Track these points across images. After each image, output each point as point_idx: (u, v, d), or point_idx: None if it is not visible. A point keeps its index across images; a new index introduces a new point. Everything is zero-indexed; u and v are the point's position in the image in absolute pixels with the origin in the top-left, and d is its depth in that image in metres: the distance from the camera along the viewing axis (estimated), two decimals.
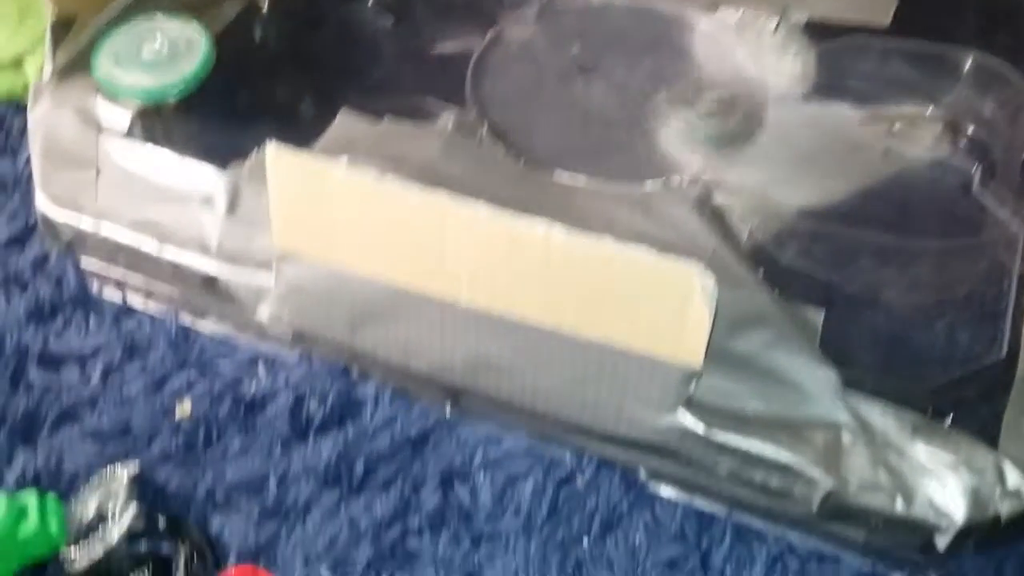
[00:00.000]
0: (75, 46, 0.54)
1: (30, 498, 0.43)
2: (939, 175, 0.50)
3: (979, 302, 0.45)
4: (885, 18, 0.55)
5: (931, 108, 0.53)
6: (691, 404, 0.40)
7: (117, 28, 0.53)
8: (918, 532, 0.39)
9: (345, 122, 0.52)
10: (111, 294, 0.52)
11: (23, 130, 0.60)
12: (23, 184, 0.57)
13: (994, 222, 0.47)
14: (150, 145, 0.49)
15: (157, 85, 0.51)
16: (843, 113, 0.53)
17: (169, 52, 0.52)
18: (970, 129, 0.52)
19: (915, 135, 0.52)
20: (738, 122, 0.52)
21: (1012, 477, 0.38)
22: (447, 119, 0.52)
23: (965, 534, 0.39)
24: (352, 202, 0.40)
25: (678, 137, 0.53)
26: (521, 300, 0.40)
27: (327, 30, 0.60)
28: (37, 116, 0.51)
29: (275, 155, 0.41)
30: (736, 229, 0.47)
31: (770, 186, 0.49)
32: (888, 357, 0.43)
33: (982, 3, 0.57)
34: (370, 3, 0.61)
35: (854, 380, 0.41)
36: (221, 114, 0.54)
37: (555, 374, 0.41)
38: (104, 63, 0.51)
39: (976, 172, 0.49)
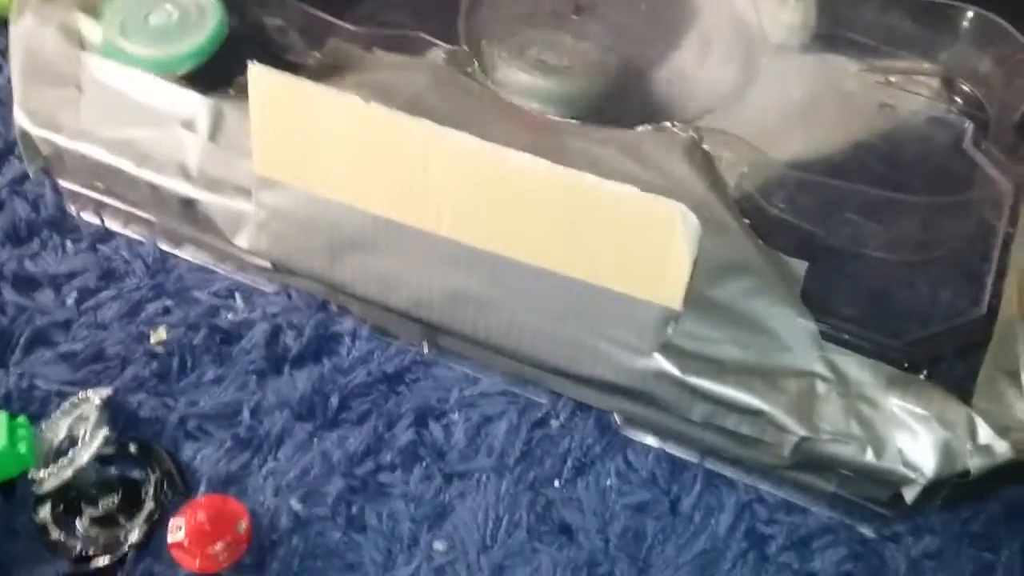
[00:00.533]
0: None
1: (0, 419, 0.43)
2: (932, 131, 0.49)
3: (963, 260, 0.44)
4: None
5: (928, 63, 0.53)
6: (667, 348, 0.40)
7: None
8: (887, 484, 0.40)
9: (333, 52, 0.51)
10: (89, 216, 0.51)
11: (4, 49, 0.59)
12: (5, 104, 0.56)
13: (984, 180, 0.47)
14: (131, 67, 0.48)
15: (164, 56, 0.48)
16: (840, 65, 0.53)
17: (180, 20, 0.49)
18: (966, 86, 0.52)
19: (911, 90, 0.51)
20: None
21: (983, 433, 0.38)
22: (437, 53, 0.51)
23: (934, 488, 0.39)
24: (336, 127, 0.40)
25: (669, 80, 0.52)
26: (502, 234, 0.40)
27: None
28: (19, 31, 0.50)
29: (257, 76, 0.40)
30: (725, 177, 0.47)
31: (762, 136, 0.49)
32: (869, 311, 0.43)
33: None
34: None
35: (833, 332, 0.41)
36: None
37: (533, 310, 0.41)
38: (108, 30, 0.49)
39: (968, 129, 0.48)
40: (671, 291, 0.38)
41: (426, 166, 0.39)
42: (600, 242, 0.38)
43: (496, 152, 0.37)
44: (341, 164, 0.41)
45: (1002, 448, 0.38)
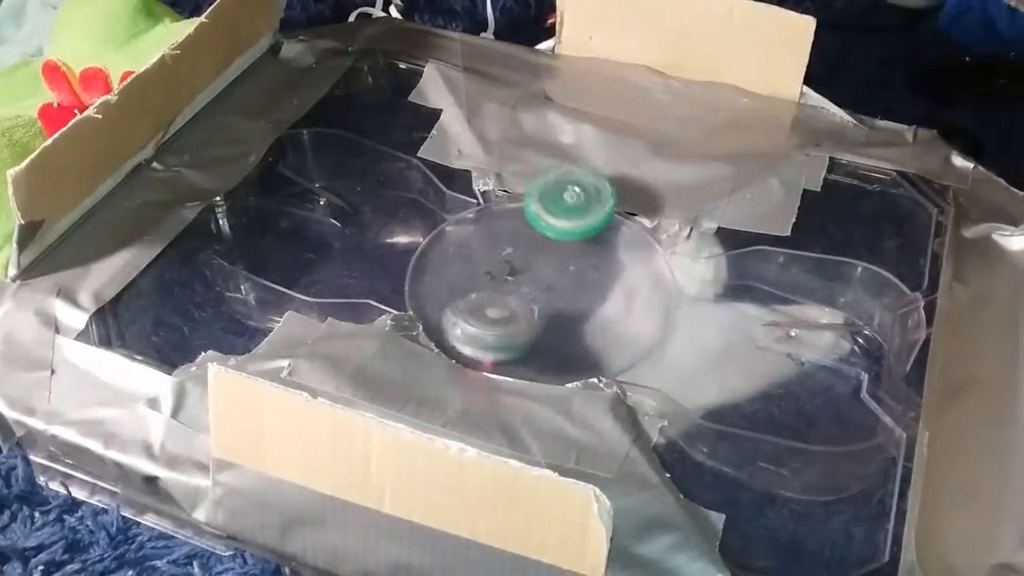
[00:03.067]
0: (40, 247, 0.58)
1: None
2: (833, 381, 0.54)
3: (868, 503, 0.48)
4: (786, 229, 0.60)
5: (829, 311, 0.59)
6: None
7: None
8: None
9: (290, 323, 0.56)
10: (57, 487, 0.54)
11: None
12: None
13: (882, 428, 0.51)
14: (102, 349, 0.53)
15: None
16: (749, 316, 0.58)
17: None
18: (868, 331, 0.57)
19: (813, 338, 0.57)
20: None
21: None
22: (384, 320, 0.56)
23: None
24: (285, 419, 0.44)
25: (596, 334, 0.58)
26: (440, 511, 0.43)
27: (280, 230, 0.65)
28: None
29: (215, 375, 0.44)
30: (647, 429, 0.51)
31: (680, 385, 0.53)
32: (783, 561, 0.46)
33: (868, 218, 0.63)
34: (322, 202, 0.66)
35: None
36: (175, 311, 0.58)
37: None
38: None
39: (864, 379, 0.53)
40: (592, 563, 0.41)
41: (368, 452, 0.43)
42: (527, 519, 0.42)
43: (430, 443, 0.41)
44: (291, 449, 0.45)
45: None
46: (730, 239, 0.61)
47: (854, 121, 0.67)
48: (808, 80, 0.68)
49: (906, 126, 0.67)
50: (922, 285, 0.57)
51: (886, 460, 0.49)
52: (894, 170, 0.64)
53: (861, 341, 0.56)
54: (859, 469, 0.50)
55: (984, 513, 0.46)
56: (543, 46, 0.75)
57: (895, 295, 0.57)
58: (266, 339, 0.54)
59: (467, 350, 0.55)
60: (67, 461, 0.52)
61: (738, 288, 0.60)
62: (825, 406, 0.53)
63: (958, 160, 0.64)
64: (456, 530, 0.43)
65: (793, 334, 0.57)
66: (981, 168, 0.64)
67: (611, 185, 0.61)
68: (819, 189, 0.63)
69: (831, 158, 0.64)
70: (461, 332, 0.56)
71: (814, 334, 0.57)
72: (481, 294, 0.59)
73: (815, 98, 0.68)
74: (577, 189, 0.61)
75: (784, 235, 0.60)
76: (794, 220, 0.60)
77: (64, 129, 0.56)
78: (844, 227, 0.61)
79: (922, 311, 0.55)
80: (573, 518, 0.40)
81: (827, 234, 0.61)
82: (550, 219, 0.60)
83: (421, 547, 0.44)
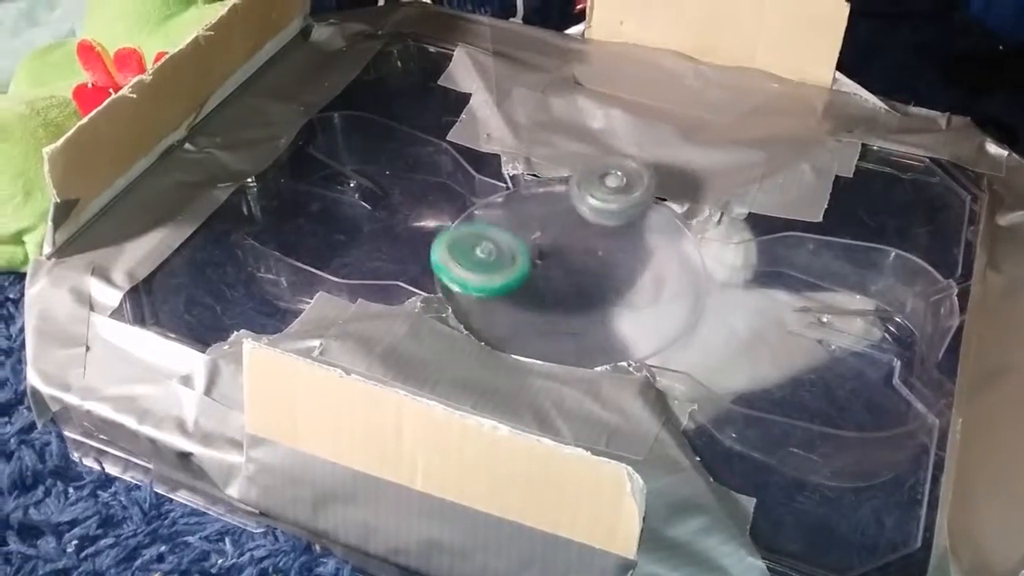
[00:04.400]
0: (75, 225, 0.58)
1: None
2: (864, 367, 0.54)
3: (900, 490, 0.48)
4: (817, 215, 0.60)
5: (861, 296, 0.58)
6: None
7: None
8: None
9: (321, 304, 0.56)
10: (91, 463, 0.55)
11: (18, 300, 0.64)
12: (15, 353, 0.61)
13: (914, 414, 0.51)
14: (136, 327, 0.53)
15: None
16: (780, 300, 0.58)
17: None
18: (899, 318, 0.57)
19: (845, 325, 0.57)
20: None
21: None
22: (414, 302, 0.56)
23: None
24: (319, 395, 0.44)
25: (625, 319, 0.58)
26: (471, 489, 0.43)
27: (311, 212, 0.66)
28: (34, 294, 0.55)
29: (250, 351, 0.44)
30: (677, 413, 0.51)
31: (709, 371, 0.53)
32: (814, 545, 0.46)
33: (901, 205, 0.62)
34: (352, 185, 0.67)
35: (781, 568, 0.44)
36: (207, 290, 0.59)
37: (501, 558, 0.44)
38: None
39: (896, 365, 0.53)
40: (625, 542, 0.41)
41: (400, 429, 0.43)
42: (559, 497, 0.42)
43: (463, 420, 0.41)
44: (324, 426, 0.45)
45: None
46: (761, 225, 0.60)
47: (887, 107, 0.67)
48: (839, 68, 0.68)
49: (939, 113, 0.67)
50: (955, 273, 0.56)
51: (918, 447, 0.49)
52: (927, 157, 0.63)
53: (892, 328, 0.56)
54: (891, 456, 0.49)
55: (1018, 500, 0.46)
56: (573, 31, 0.75)
57: (928, 282, 0.57)
58: (297, 319, 0.55)
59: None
60: (101, 437, 0.53)
61: (769, 274, 0.60)
62: (856, 392, 0.53)
63: (992, 147, 0.64)
64: (487, 508, 0.43)
65: (824, 320, 0.56)
66: (1016, 156, 0.63)
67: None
68: (851, 175, 0.62)
69: (863, 144, 0.64)
70: None
71: (845, 320, 0.57)
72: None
73: (847, 84, 0.68)
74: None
75: (815, 221, 0.59)
76: (825, 206, 0.60)
77: (99, 108, 0.56)
78: (876, 214, 0.61)
79: (955, 298, 0.54)
80: (606, 496, 0.40)
81: (859, 221, 0.60)
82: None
83: (452, 524, 0.44)
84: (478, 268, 0.56)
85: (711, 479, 0.47)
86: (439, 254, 0.56)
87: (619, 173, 0.61)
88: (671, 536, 0.44)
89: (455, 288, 0.56)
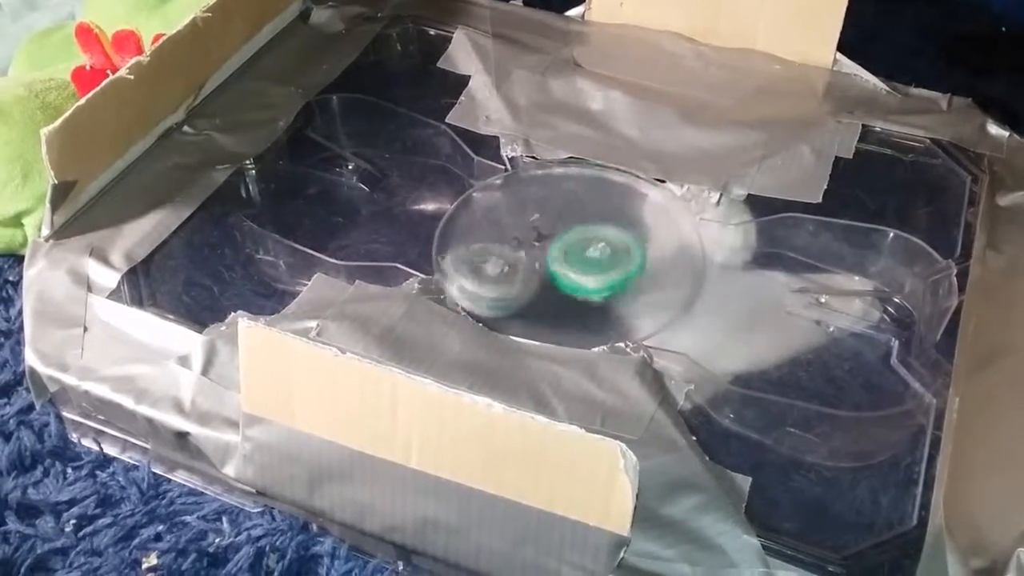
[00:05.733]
0: (73, 207, 0.59)
1: None
2: (862, 347, 0.54)
3: (897, 469, 0.48)
4: (817, 196, 0.60)
5: (860, 277, 0.58)
6: (622, 568, 0.43)
7: None
8: None
9: (318, 286, 0.56)
10: (89, 443, 0.55)
11: (16, 282, 0.64)
12: (14, 334, 0.61)
13: (912, 394, 0.51)
14: (133, 308, 0.53)
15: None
16: (778, 283, 0.58)
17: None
18: (898, 299, 0.57)
19: (843, 305, 0.56)
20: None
21: None
22: (412, 283, 0.56)
23: None
24: (314, 374, 0.44)
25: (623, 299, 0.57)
26: (466, 466, 0.43)
27: (309, 194, 0.66)
28: (32, 275, 0.55)
29: (246, 330, 0.44)
30: (674, 393, 0.51)
31: (707, 352, 0.53)
32: (809, 524, 0.46)
33: (901, 186, 0.62)
34: (350, 167, 0.67)
35: (776, 547, 0.44)
36: (205, 272, 0.59)
37: (496, 536, 0.44)
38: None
39: (895, 346, 0.53)
40: (618, 519, 0.41)
41: (395, 407, 0.43)
42: (553, 475, 0.42)
43: (458, 398, 0.41)
44: (319, 404, 0.45)
45: None
46: (760, 206, 0.60)
47: (887, 88, 0.66)
48: (841, 49, 0.67)
49: (940, 94, 0.66)
50: (955, 253, 0.56)
51: (915, 426, 0.49)
52: (928, 138, 0.63)
53: (891, 309, 0.56)
54: (888, 435, 0.49)
55: (1014, 479, 0.46)
56: (573, 12, 0.74)
57: (927, 263, 0.57)
58: (295, 300, 0.55)
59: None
60: (99, 417, 0.53)
61: (768, 255, 0.59)
62: (854, 372, 0.53)
63: (993, 128, 0.63)
64: (482, 485, 0.43)
65: (823, 301, 0.56)
66: (1017, 136, 0.63)
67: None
68: (851, 156, 0.62)
69: (864, 125, 0.64)
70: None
71: (843, 301, 0.56)
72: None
73: (848, 65, 0.67)
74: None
75: (815, 202, 0.59)
76: (825, 187, 0.60)
77: (97, 89, 0.56)
78: (876, 195, 0.61)
79: (954, 279, 0.54)
80: (600, 474, 0.40)
81: (859, 202, 0.60)
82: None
83: (447, 502, 0.44)
84: (592, 268, 0.57)
85: (707, 458, 0.47)
86: (556, 266, 0.58)
87: (500, 260, 0.59)
88: (666, 514, 0.44)
89: (578, 296, 0.57)
